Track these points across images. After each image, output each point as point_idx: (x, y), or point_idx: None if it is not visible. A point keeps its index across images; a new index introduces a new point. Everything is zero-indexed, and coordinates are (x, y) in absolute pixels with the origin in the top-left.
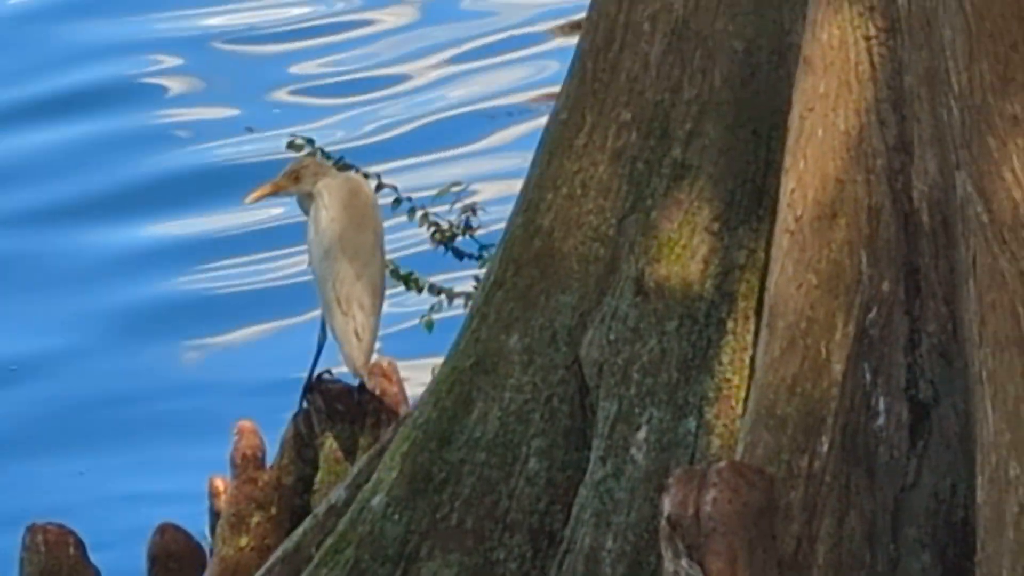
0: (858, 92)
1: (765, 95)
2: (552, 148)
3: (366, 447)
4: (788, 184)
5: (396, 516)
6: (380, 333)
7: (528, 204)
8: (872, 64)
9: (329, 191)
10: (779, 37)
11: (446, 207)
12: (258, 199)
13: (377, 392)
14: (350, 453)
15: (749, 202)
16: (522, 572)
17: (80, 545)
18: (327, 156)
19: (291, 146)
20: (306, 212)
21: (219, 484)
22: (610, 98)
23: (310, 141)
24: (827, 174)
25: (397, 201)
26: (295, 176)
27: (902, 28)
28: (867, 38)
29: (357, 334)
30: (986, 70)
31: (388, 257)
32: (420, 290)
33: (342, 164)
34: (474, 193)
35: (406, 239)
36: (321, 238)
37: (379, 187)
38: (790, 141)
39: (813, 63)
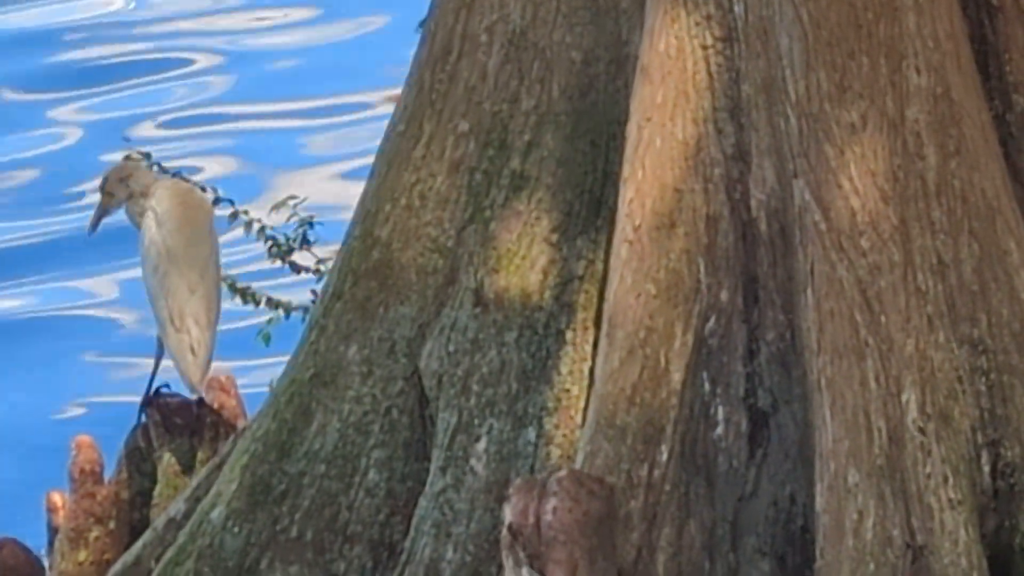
0: (695, 101)
1: (603, 105)
2: (390, 159)
3: (204, 460)
4: (626, 194)
5: (236, 528)
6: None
7: (366, 215)
8: (709, 73)
9: (160, 201)
10: (617, 47)
11: (283, 220)
12: (97, 223)
13: (216, 405)
14: (189, 467)
15: (588, 213)
16: None
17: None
18: (163, 171)
19: (128, 160)
20: (136, 224)
21: (57, 499)
22: (448, 108)
23: (147, 155)
24: (665, 184)
25: (234, 214)
26: (121, 181)
27: (739, 37)
28: (704, 47)
29: (192, 349)
30: (823, 78)
31: (226, 271)
32: (257, 303)
33: (180, 178)
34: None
35: (244, 252)
36: (152, 250)
37: (216, 200)
38: (628, 151)
39: (650, 72)
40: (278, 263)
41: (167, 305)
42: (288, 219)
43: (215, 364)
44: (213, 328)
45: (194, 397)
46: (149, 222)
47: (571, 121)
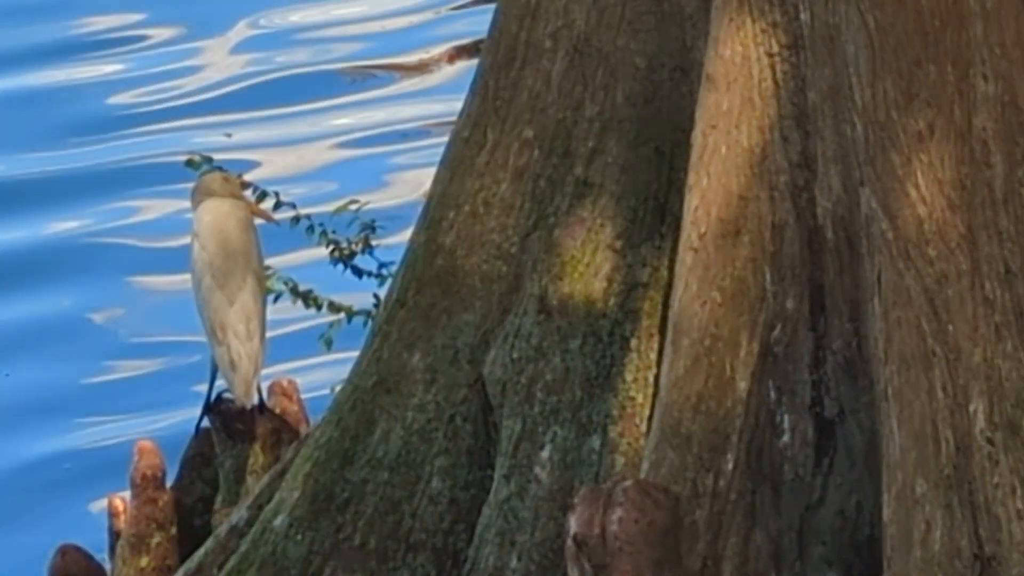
0: (761, 109)
1: (667, 112)
2: (454, 166)
3: (266, 467)
4: (691, 201)
5: (298, 536)
6: (277, 352)
7: (430, 222)
8: (775, 80)
9: (198, 218)
10: (681, 54)
11: (345, 224)
12: None
13: (277, 411)
14: (250, 473)
15: (652, 219)
16: None
17: None
18: (222, 169)
19: (189, 164)
20: None
21: (119, 504)
22: (512, 116)
23: (208, 159)
24: (730, 191)
25: (296, 219)
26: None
27: (805, 44)
28: (770, 55)
29: (233, 363)
30: (890, 86)
31: (288, 274)
32: (319, 308)
33: (227, 176)
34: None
35: (306, 256)
36: (194, 267)
37: (277, 204)
38: (693, 158)
39: (716, 80)
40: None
41: (208, 318)
42: (350, 223)
43: (277, 369)
44: (256, 340)
45: (252, 405)
46: (192, 240)
47: (635, 128)
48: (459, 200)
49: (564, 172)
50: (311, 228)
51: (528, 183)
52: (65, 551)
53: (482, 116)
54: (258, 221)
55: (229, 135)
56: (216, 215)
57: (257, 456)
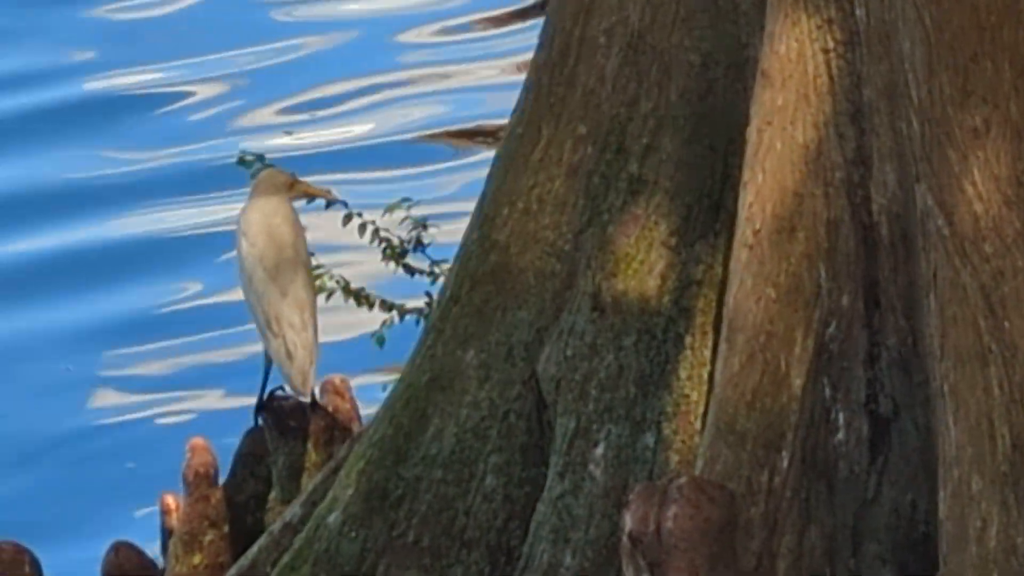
0: (816, 105)
1: (722, 109)
2: (508, 163)
3: (319, 464)
4: (746, 198)
5: (352, 533)
6: (330, 350)
7: (484, 219)
8: (831, 77)
9: (244, 217)
10: (736, 50)
11: (397, 222)
12: None
13: (330, 409)
14: (303, 470)
15: (706, 216)
16: None
17: (35, 564)
18: (272, 166)
19: (241, 162)
20: None
21: (171, 502)
22: (566, 112)
23: (260, 157)
24: (785, 188)
25: (348, 217)
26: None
27: (861, 40)
28: (825, 51)
29: (290, 353)
30: (946, 82)
31: (340, 272)
32: (371, 306)
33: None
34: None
35: (359, 255)
36: (242, 265)
37: (328, 203)
38: (748, 155)
39: (771, 76)
40: (392, 265)
41: (263, 311)
42: (402, 221)
43: (329, 367)
44: (310, 331)
45: (306, 400)
46: (240, 239)
47: (690, 124)
48: (513, 197)
49: (618, 169)
50: (363, 226)
51: (582, 180)
52: (119, 548)
53: (536, 112)
54: (305, 220)
55: (290, 132)
56: (263, 212)
57: (310, 453)
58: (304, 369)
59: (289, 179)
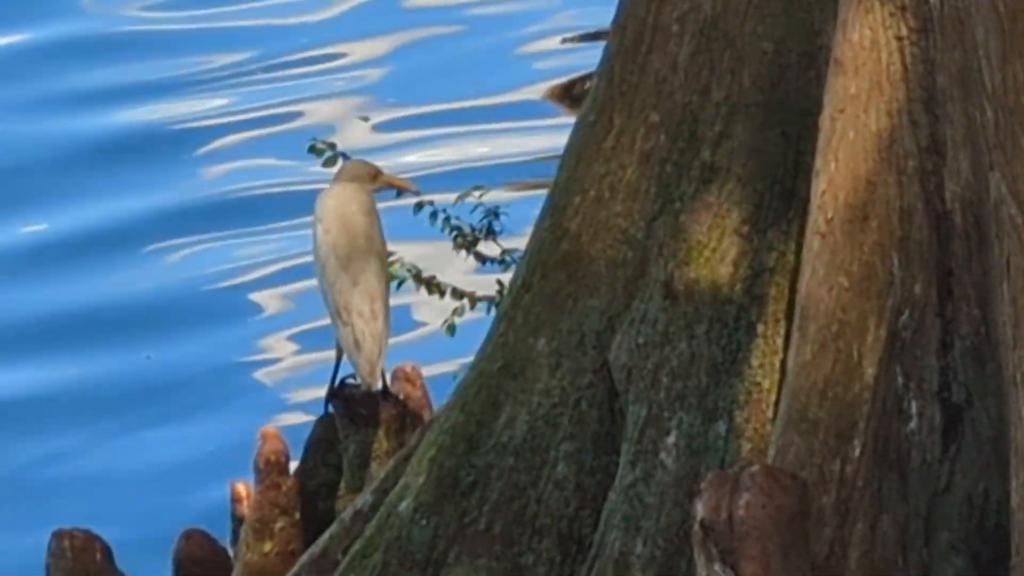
0: (890, 93)
1: (795, 96)
2: (580, 150)
3: (390, 452)
4: (819, 186)
5: (424, 521)
6: (400, 337)
7: (555, 207)
8: (904, 64)
9: (321, 203)
10: (809, 38)
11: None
12: None
13: (400, 396)
14: (374, 458)
15: (779, 204)
16: None
17: (106, 551)
18: (347, 158)
19: (312, 150)
20: None
21: (241, 489)
22: (638, 100)
23: (331, 146)
24: (858, 176)
25: (419, 205)
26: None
27: (934, 28)
28: (899, 38)
29: (358, 343)
30: (1019, 70)
31: (412, 261)
32: (442, 294)
33: (360, 163)
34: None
35: (429, 242)
36: (317, 251)
37: (399, 192)
38: (821, 143)
39: (844, 64)
40: (463, 253)
41: (333, 300)
42: (473, 210)
43: (399, 355)
44: (380, 321)
45: (376, 388)
46: (315, 225)
47: (762, 112)
48: (585, 185)
49: (690, 157)
50: (434, 215)
51: (654, 167)
52: (190, 535)
53: (608, 100)
54: (380, 210)
55: (366, 118)
56: (339, 199)
57: (381, 441)
58: (372, 359)
59: (372, 170)
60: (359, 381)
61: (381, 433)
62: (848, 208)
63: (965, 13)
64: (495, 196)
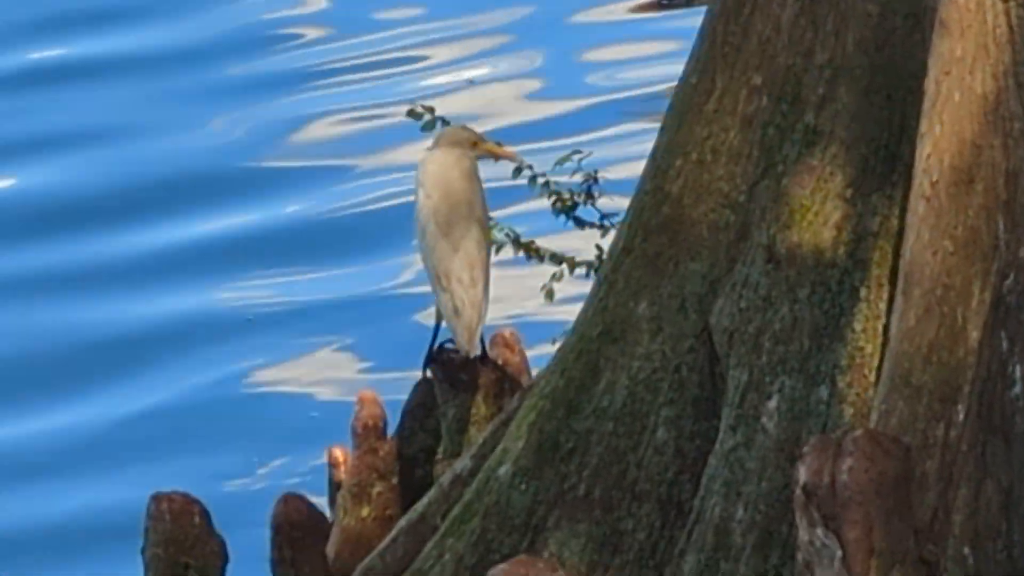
0: (995, 55)
1: (899, 59)
2: (682, 113)
3: (489, 417)
4: (924, 149)
5: (523, 486)
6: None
7: (657, 170)
8: (1010, 27)
9: (423, 168)
10: (914, 0)
11: (567, 176)
12: None
13: (499, 362)
14: (472, 423)
15: (883, 168)
16: (650, 542)
17: (205, 514)
18: (446, 124)
19: (411, 114)
20: None
21: (338, 454)
22: (741, 62)
23: (430, 110)
24: (964, 139)
25: (518, 170)
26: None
27: None
28: (1005, 0)
29: (456, 309)
30: None
31: (511, 226)
32: (541, 259)
33: (463, 129)
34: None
35: (529, 208)
36: (418, 216)
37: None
38: (926, 105)
39: (949, 26)
40: (562, 218)
41: (433, 265)
42: (572, 175)
43: (500, 321)
44: (479, 287)
45: (474, 355)
46: (417, 190)
47: (866, 75)
48: (687, 148)
49: (793, 120)
50: (533, 179)
51: (757, 131)
52: (288, 499)
53: (710, 62)
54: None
55: (471, 80)
56: (440, 165)
57: (479, 406)
58: (470, 326)
59: (474, 137)
60: (457, 347)
61: (480, 398)
62: (953, 171)
63: None
64: (594, 159)
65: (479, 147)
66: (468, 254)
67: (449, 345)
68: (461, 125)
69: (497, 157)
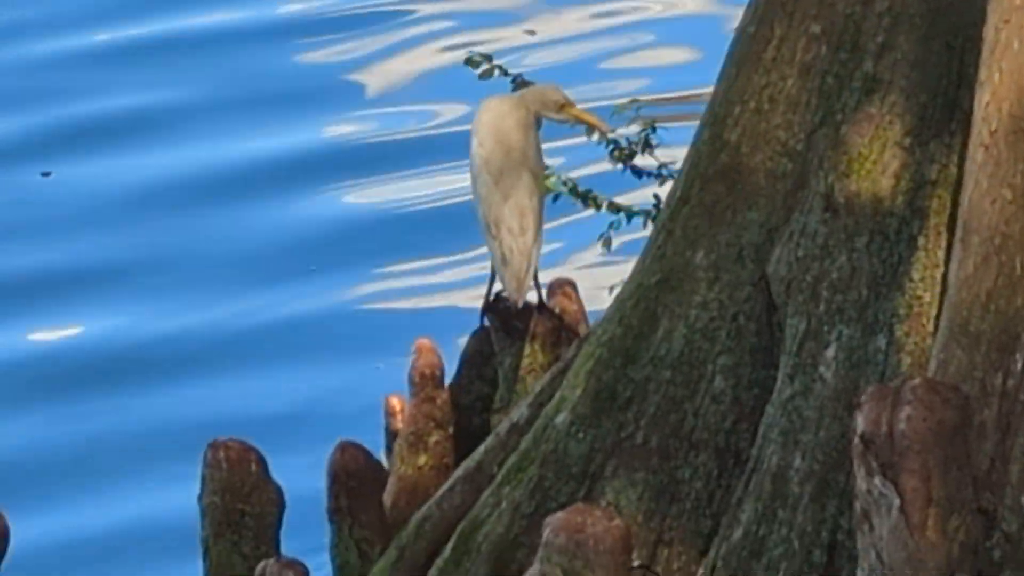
0: None
1: (959, 7)
2: (740, 61)
3: (545, 366)
4: (982, 97)
5: (580, 434)
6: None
7: (715, 118)
8: None
9: (478, 117)
10: None
11: (624, 126)
12: None
13: (556, 310)
14: (529, 371)
15: (941, 116)
16: (707, 491)
17: (262, 462)
18: (505, 73)
19: (468, 62)
20: None
21: (395, 403)
22: (799, 10)
23: (488, 58)
24: (1022, 87)
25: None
26: None
27: None
28: None
29: (505, 258)
30: None
31: (570, 175)
32: (599, 208)
33: (520, 81)
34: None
35: (586, 157)
36: (472, 163)
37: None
38: (985, 53)
39: None
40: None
41: (484, 213)
42: (630, 123)
43: (555, 269)
44: (529, 236)
45: (523, 304)
46: (472, 138)
47: (926, 23)
48: (744, 96)
49: (852, 68)
50: (590, 130)
51: (815, 79)
52: (345, 448)
53: (769, 11)
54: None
55: (532, 32)
56: (495, 114)
57: (536, 355)
58: (519, 275)
59: (562, 99)
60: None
61: (537, 346)
62: (1012, 119)
63: None
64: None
65: (566, 110)
66: (519, 203)
67: (505, 294)
68: (552, 86)
69: (585, 123)
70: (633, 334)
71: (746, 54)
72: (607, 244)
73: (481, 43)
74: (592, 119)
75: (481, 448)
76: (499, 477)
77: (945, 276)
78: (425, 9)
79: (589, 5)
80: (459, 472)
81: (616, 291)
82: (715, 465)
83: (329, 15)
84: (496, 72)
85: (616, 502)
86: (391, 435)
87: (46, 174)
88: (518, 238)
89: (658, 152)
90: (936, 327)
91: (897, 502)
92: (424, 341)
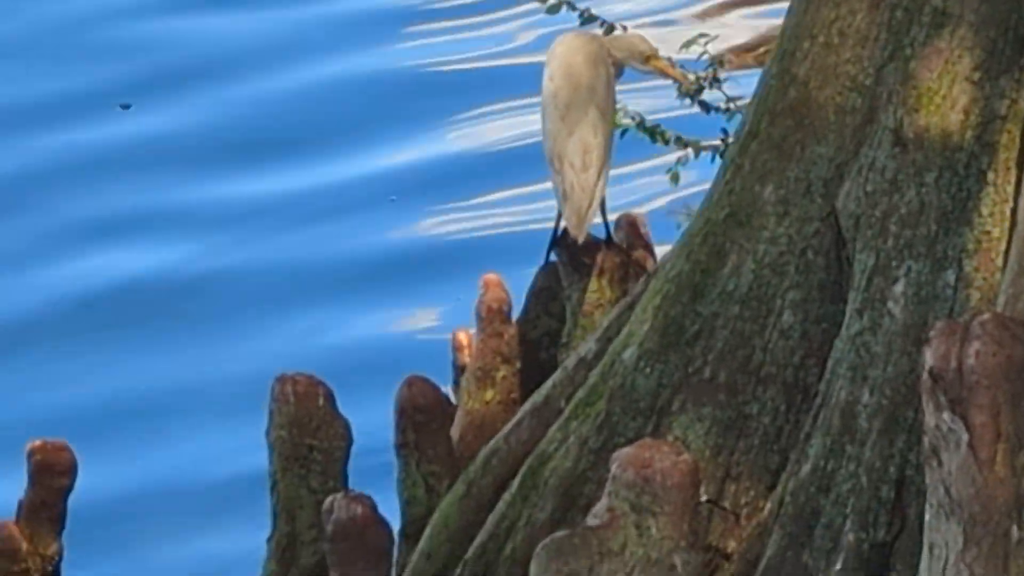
0: None
1: None
2: None
3: (613, 301)
4: None
5: (648, 369)
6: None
7: (783, 53)
8: None
9: (551, 51)
10: None
11: (693, 58)
12: None
13: (624, 245)
14: (597, 306)
15: (1011, 51)
16: (775, 426)
17: (329, 396)
18: (572, 8)
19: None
20: None
21: (463, 338)
22: None
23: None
24: None
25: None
26: None
27: None
28: None
29: (566, 193)
30: None
31: (638, 111)
32: (666, 142)
33: (587, 17)
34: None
35: (654, 93)
36: (542, 95)
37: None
38: None
39: None
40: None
41: (549, 147)
42: (699, 56)
43: (625, 204)
44: (592, 172)
45: (603, 237)
46: (544, 69)
47: None
48: (813, 30)
49: (922, 2)
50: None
51: (884, 13)
52: (412, 382)
53: None
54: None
55: None
56: (567, 48)
57: (603, 290)
58: (579, 210)
59: (648, 51)
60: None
61: (605, 282)
62: None
63: None
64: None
65: (651, 62)
66: (583, 138)
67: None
68: (639, 36)
69: (667, 76)
70: (701, 269)
71: None
72: (675, 179)
73: None
74: (676, 72)
75: (549, 383)
76: (567, 412)
77: (1014, 211)
78: None
79: None
80: (526, 407)
81: (684, 226)
82: (783, 400)
83: None
84: (564, 7)
85: (684, 437)
86: (459, 370)
87: (126, 106)
88: (580, 174)
89: (726, 87)
90: (1005, 262)
91: (966, 437)
92: (492, 276)
